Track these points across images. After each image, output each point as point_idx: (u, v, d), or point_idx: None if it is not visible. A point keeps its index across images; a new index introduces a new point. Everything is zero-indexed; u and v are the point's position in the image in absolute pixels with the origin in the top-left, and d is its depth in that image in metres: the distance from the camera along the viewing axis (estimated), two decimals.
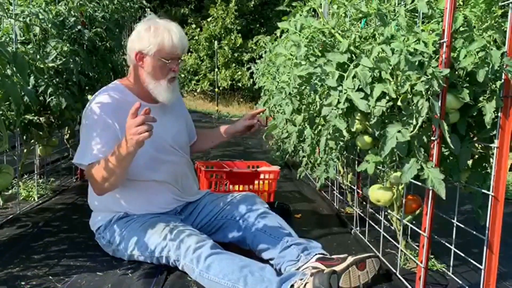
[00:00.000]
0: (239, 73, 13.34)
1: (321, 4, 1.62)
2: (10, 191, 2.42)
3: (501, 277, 1.57)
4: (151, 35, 1.63)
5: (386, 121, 1.35)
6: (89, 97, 2.27)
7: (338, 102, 1.35)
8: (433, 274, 1.61)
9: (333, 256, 1.55)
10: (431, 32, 1.27)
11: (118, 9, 2.93)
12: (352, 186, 2.37)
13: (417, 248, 1.67)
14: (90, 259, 1.66)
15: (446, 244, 1.54)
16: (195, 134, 2.03)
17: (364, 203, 2.43)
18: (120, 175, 1.52)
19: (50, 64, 2.14)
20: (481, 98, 1.28)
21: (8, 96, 1.51)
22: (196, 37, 13.79)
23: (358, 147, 1.64)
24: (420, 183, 1.38)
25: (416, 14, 1.41)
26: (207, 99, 13.48)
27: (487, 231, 1.28)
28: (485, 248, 1.28)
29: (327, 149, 1.66)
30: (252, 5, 13.92)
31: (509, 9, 1.18)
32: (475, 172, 1.43)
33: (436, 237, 1.60)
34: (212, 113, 9.94)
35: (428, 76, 1.18)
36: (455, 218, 1.50)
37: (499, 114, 1.24)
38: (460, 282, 1.50)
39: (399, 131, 1.27)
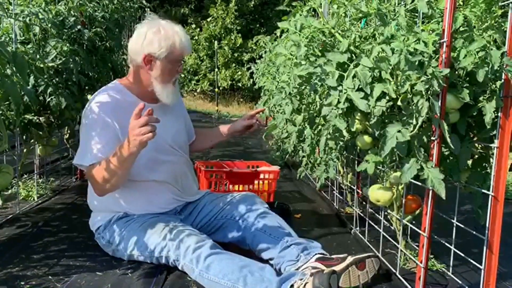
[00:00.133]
0: (239, 73, 13.34)
1: (321, 4, 1.62)
2: (9, 191, 2.42)
3: (501, 277, 1.57)
4: (161, 39, 1.61)
5: (386, 121, 1.35)
6: (89, 96, 2.27)
7: (338, 102, 1.35)
8: (433, 274, 1.61)
9: (332, 256, 1.55)
10: (431, 32, 1.27)
11: (118, 9, 2.93)
12: (352, 186, 2.37)
13: (417, 248, 1.67)
14: (90, 259, 1.66)
15: (446, 244, 1.54)
16: (193, 133, 2.04)
17: (364, 203, 2.43)
18: (122, 176, 1.52)
19: (50, 64, 2.14)
20: (481, 98, 1.28)
21: (8, 95, 1.51)
22: (196, 37, 13.78)
23: (358, 147, 1.64)
24: (420, 183, 1.38)
25: (416, 14, 1.41)
26: (207, 99, 13.48)
27: (487, 231, 1.28)
28: (485, 248, 1.28)
29: (327, 149, 1.66)
30: (252, 5, 13.92)
31: (509, 9, 1.18)
32: (475, 172, 1.43)
33: (436, 237, 1.60)
34: (212, 113, 9.94)
35: (428, 76, 1.18)
36: (455, 218, 1.50)
37: (499, 114, 1.24)
38: (460, 282, 1.50)
39: (399, 131, 1.27)
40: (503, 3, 1.28)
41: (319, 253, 1.56)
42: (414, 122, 1.24)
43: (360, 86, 1.31)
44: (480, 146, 1.45)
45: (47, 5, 2.30)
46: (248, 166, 2.67)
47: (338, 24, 1.58)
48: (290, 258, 1.57)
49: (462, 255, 1.46)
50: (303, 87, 1.70)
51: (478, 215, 1.39)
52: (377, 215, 1.94)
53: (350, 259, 1.50)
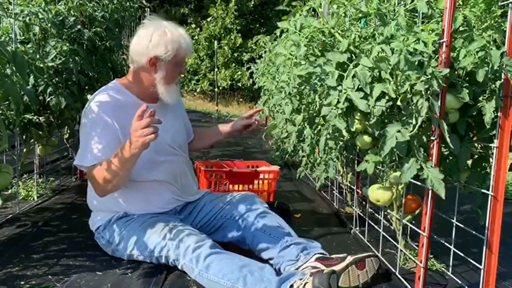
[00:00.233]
0: (239, 73, 13.34)
1: (321, 3, 1.62)
2: (9, 191, 2.42)
3: (500, 277, 1.57)
4: (168, 42, 1.61)
5: (386, 120, 1.35)
6: (88, 96, 2.27)
7: (338, 102, 1.35)
8: (433, 273, 1.61)
9: (332, 256, 1.55)
10: (430, 32, 1.27)
11: (118, 9, 2.93)
12: (352, 186, 2.37)
13: (416, 247, 1.67)
14: (90, 258, 1.66)
15: (446, 244, 1.54)
16: (192, 132, 2.04)
17: (364, 203, 2.43)
18: (123, 176, 1.52)
19: (50, 64, 2.13)
20: (480, 98, 1.28)
21: (8, 95, 1.51)
22: (196, 37, 13.78)
23: (358, 147, 1.64)
24: (419, 183, 1.38)
25: (416, 14, 1.41)
26: (206, 99, 13.48)
27: (486, 231, 1.28)
28: (484, 248, 1.28)
29: (327, 149, 1.66)
30: (252, 5, 13.92)
31: (508, 9, 1.18)
32: (475, 172, 1.43)
33: (435, 237, 1.60)
34: (211, 113, 9.94)
35: (427, 75, 1.18)
36: (455, 218, 1.50)
37: (498, 114, 1.24)
38: (460, 282, 1.50)
39: (398, 131, 1.27)
40: (502, 3, 1.28)
41: (318, 253, 1.56)
42: (414, 122, 1.25)
43: (359, 86, 1.31)
44: (479, 146, 1.45)
45: (47, 5, 2.30)
46: (248, 166, 2.68)
47: (338, 24, 1.58)
48: (290, 258, 1.57)
49: (462, 255, 1.46)
50: (302, 87, 1.70)
51: (478, 215, 1.39)
52: (377, 215, 1.94)
53: (349, 258, 1.50)
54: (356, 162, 2.03)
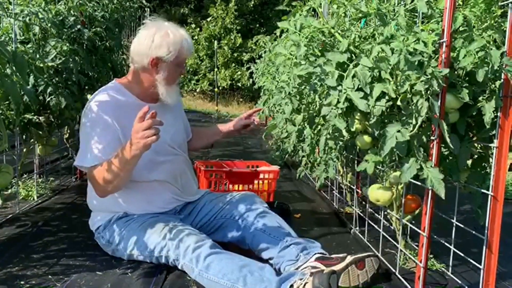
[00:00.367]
0: (239, 73, 13.34)
1: (320, 3, 1.62)
2: (9, 191, 2.42)
3: (500, 277, 1.57)
4: (170, 43, 1.62)
5: (386, 120, 1.36)
6: (88, 96, 2.26)
7: (338, 102, 1.35)
8: (433, 273, 1.61)
9: (332, 256, 1.55)
10: (430, 32, 1.27)
11: (118, 9, 2.93)
12: (352, 186, 2.37)
13: (416, 247, 1.67)
14: (90, 258, 1.66)
15: (446, 243, 1.54)
16: (190, 132, 2.04)
17: (364, 202, 2.43)
18: (124, 177, 1.52)
19: (50, 64, 2.13)
20: (480, 98, 1.28)
21: (8, 95, 1.51)
22: (196, 37, 13.79)
23: (358, 147, 1.64)
24: (419, 183, 1.38)
25: (416, 14, 1.41)
26: (206, 99, 13.48)
27: (486, 231, 1.28)
28: (484, 248, 1.28)
29: (327, 148, 1.66)
30: (252, 5, 13.92)
31: (508, 9, 1.18)
32: (475, 172, 1.43)
33: (435, 236, 1.60)
34: (211, 113, 9.94)
35: (427, 75, 1.18)
36: (455, 218, 1.50)
37: (498, 114, 1.24)
38: (460, 281, 1.50)
39: (398, 131, 1.27)
40: (502, 3, 1.28)
41: (318, 253, 1.56)
42: (414, 122, 1.25)
43: (359, 86, 1.31)
44: (479, 146, 1.45)
45: (47, 4, 2.30)
46: (248, 166, 2.68)
47: (338, 24, 1.59)
48: (290, 258, 1.57)
49: (462, 255, 1.46)
50: (302, 87, 1.70)
51: (478, 215, 1.39)
52: (377, 215, 1.94)
53: (349, 258, 1.50)
54: (356, 162, 2.03)
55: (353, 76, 1.33)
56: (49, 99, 2.10)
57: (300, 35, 1.52)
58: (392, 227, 1.73)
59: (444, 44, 1.22)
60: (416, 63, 1.21)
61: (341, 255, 1.53)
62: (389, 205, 1.64)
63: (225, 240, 1.74)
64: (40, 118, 2.19)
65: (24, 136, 2.28)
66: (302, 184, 3.15)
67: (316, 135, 1.79)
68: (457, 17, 1.26)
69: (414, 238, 1.75)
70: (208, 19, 13.90)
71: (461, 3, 1.44)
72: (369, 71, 1.30)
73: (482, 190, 1.34)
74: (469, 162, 1.44)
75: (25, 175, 2.74)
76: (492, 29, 1.32)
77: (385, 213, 1.74)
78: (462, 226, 1.49)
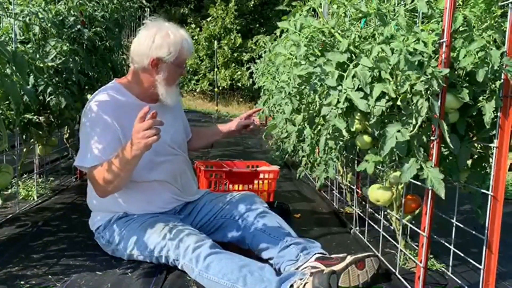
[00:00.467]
0: (239, 73, 13.34)
1: (321, 3, 1.62)
2: (9, 191, 2.42)
3: (500, 277, 1.57)
4: (171, 43, 1.62)
5: (386, 120, 1.36)
6: (88, 96, 2.26)
7: (338, 102, 1.35)
8: (433, 273, 1.61)
9: (332, 256, 1.55)
10: (430, 32, 1.27)
11: (118, 9, 2.93)
12: (352, 186, 2.37)
13: (416, 247, 1.67)
14: (90, 258, 1.66)
15: (446, 244, 1.54)
16: (189, 132, 2.04)
17: (364, 202, 2.43)
18: (125, 178, 1.52)
19: (50, 64, 2.13)
20: (480, 98, 1.28)
21: (8, 95, 1.51)
22: (196, 37, 13.79)
23: (358, 147, 1.64)
24: (419, 183, 1.38)
25: (416, 14, 1.41)
26: (206, 99, 13.48)
27: (486, 231, 1.28)
28: (484, 248, 1.28)
29: (327, 148, 1.66)
30: (251, 5, 13.92)
31: (508, 9, 1.18)
32: (475, 172, 1.43)
33: (435, 237, 1.60)
34: (211, 113, 9.94)
35: (427, 75, 1.18)
36: (455, 218, 1.50)
37: (498, 114, 1.24)
38: (460, 281, 1.50)
39: (398, 131, 1.27)
40: (502, 3, 1.28)
41: (318, 253, 1.56)
42: (414, 122, 1.25)
43: (359, 86, 1.31)
44: (479, 146, 1.45)
45: (47, 4, 2.30)
46: (248, 166, 2.68)
47: (338, 24, 1.59)
48: (290, 258, 1.57)
49: (462, 255, 1.46)
50: (302, 87, 1.70)
51: (478, 215, 1.39)
52: (377, 215, 1.94)
53: (349, 258, 1.50)
54: (356, 162, 2.03)
55: (353, 76, 1.33)
56: (49, 99, 2.10)
57: (300, 35, 1.52)
58: (392, 227, 1.73)
59: (444, 44, 1.22)
60: (416, 63, 1.21)
61: (341, 255, 1.53)
62: (389, 205, 1.64)
63: (225, 240, 1.74)
64: (40, 118, 2.19)
65: (24, 136, 2.28)
66: (302, 184, 3.15)
67: (316, 135, 1.79)
68: (457, 17, 1.26)
69: (414, 238, 1.75)
70: (208, 19, 13.90)
71: (461, 3, 1.44)
72: (369, 71, 1.30)
73: (482, 190, 1.34)
74: (469, 162, 1.44)
75: (25, 175, 2.74)
76: (492, 29, 1.32)
77: (385, 213, 1.73)
78: (462, 226, 1.49)
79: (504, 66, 1.18)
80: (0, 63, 1.44)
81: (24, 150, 2.40)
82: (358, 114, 1.44)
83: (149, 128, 1.38)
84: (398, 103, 1.29)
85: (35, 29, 2.13)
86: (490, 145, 1.30)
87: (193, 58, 13.78)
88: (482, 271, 1.29)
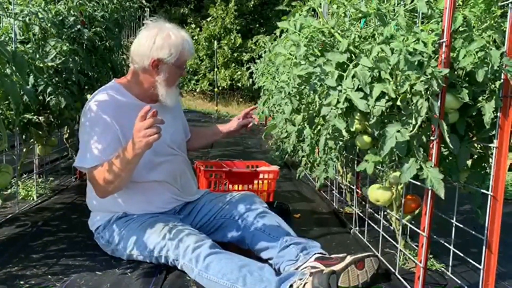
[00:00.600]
0: (239, 73, 13.34)
1: (320, 3, 1.62)
2: (9, 191, 2.41)
3: (500, 277, 1.57)
4: (171, 45, 1.62)
5: (386, 121, 1.36)
6: (88, 96, 2.27)
7: (338, 102, 1.35)
8: (432, 273, 1.61)
9: (332, 256, 1.55)
10: (430, 32, 1.27)
11: (118, 9, 2.93)
12: (351, 186, 2.37)
13: (416, 248, 1.67)
14: (89, 258, 1.66)
15: (445, 244, 1.54)
16: (189, 132, 2.04)
17: (363, 202, 2.43)
18: (126, 178, 1.52)
19: (50, 64, 2.13)
20: (480, 98, 1.28)
21: (8, 95, 1.51)
22: (196, 37, 13.78)
23: (358, 147, 1.64)
24: (419, 183, 1.38)
25: (416, 14, 1.41)
26: (206, 99, 13.48)
27: (486, 231, 1.28)
28: (484, 248, 1.28)
29: (327, 149, 1.66)
30: (251, 5, 13.92)
31: (508, 9, 1.18)
32: (474, 172, 1.43)
33: (435, 237, 1.60)
34: (211, 113, 9.94)
35: (427, 76, 1.18)
36: (454, 218, 1.50)
37: (498, 114, 1.24)
38: (459, 282, 1.50)
39: (398, 131, 1.27)
40: (502, 3, 1.28)
41: (318, 253, 1.56)
42: (414, 122, 1.25)
43: (359, 86, 1.31)
44: (479, 146, 1.45)
45: (47, 4, 2.30)
46: (248, 166, 2.68)
47: (338, 24, 1.59)
48: (290, 258, 1.57)
49: (461, 255, 1.46)
50: (302, 87, 1.70)
51: (478, 215, 1.39)
52: (377, 215, 1.94)
53: (349, 258, 1.50)
54: (356, 162, 2.03)
55: (353, 76, 1.33)
56: (49, 99, 2.10)
57: (300, 35, 1.52)
58: (392, 227, 1.73)
59: (444, 44, 1.22)
60: (416, 63, 1.21)
61: (340, 255, 1.53)
62: (389, 205, 1.64)
63: (225, 240, 1.74)
64: (40, 118, 2.19)
65: (23, 136, 2.27)
66: (302, 184, 3.15)
67: (316, 135, 1.79)
68: (457, 17, 1.26)
69: (414, 238, 1.75)
70: (208, 19, 13.89)
71: (461, 3, 1.44)
72: (369, 71, 1.30)
73: (482, 190, 1.34)
74: (469, 162, 1.44)
75: (24, 175, 2.73)
76: (492, 29, 1.32)
77: (385, 213, 1.73)
78: (461, 226, 1.49)
79: (503, 66, 1.18)
80: (0, 63, 1.44)
81: (24, 150, 2.40)
82: (358, 114, 1.44)
83: (150, 126, 1.38)
84: (398, 103, 1.29)
85: (35, 29, 2.13)
86: (490, 145, 1.30)
87: (193, 58, 13.77)
88: (481, 271, 1.29)
